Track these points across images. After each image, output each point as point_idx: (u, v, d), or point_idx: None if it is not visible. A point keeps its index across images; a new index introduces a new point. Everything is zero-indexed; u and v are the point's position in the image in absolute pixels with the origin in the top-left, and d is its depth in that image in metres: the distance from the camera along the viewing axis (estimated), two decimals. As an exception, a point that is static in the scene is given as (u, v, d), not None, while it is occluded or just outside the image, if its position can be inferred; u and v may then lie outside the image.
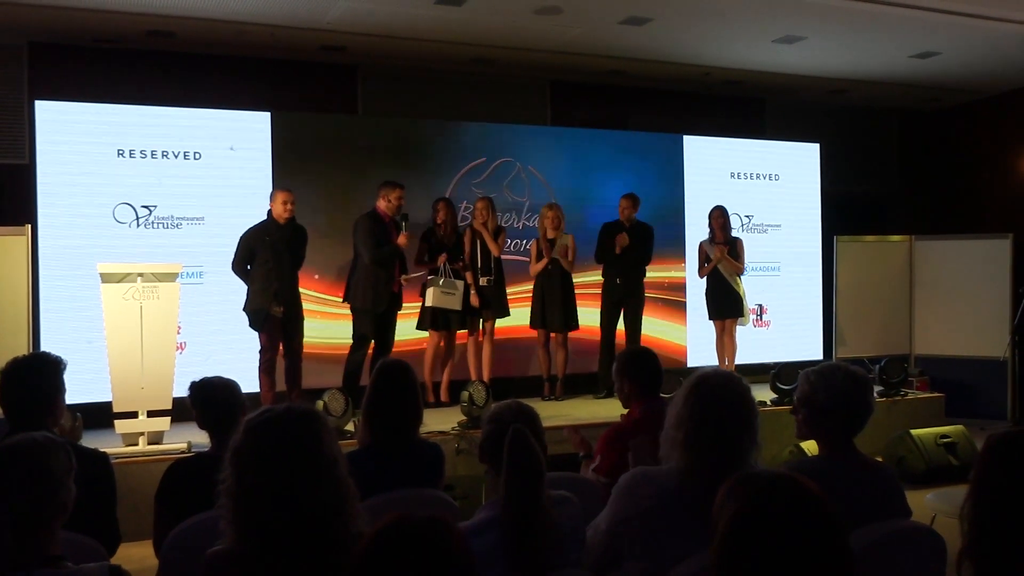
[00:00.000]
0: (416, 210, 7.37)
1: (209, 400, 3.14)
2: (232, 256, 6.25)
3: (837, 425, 2.55)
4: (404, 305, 6.88)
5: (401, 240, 6.58)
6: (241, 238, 6.24)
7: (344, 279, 6.81)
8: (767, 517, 1.40)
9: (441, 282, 6.83)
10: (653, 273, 7.76)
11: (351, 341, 6.67)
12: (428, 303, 6.86)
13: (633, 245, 7.31)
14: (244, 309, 6.24)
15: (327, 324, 7.06)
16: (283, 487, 1.60)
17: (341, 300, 6.81)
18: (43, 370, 2.94)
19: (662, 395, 3.60)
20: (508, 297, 7.25)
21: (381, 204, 6.64)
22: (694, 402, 2.22)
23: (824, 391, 2.54)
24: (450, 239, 6.98)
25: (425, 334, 7.04)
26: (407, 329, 7.07)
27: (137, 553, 3.48)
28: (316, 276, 7.06)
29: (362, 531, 1.65)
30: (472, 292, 6.95)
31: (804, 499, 1.42)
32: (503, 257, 7.21)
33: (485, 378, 6.95)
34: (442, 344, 7.04)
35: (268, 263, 6.13)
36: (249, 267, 6.21)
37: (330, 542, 1.65)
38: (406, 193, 6.69)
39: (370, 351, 6.64)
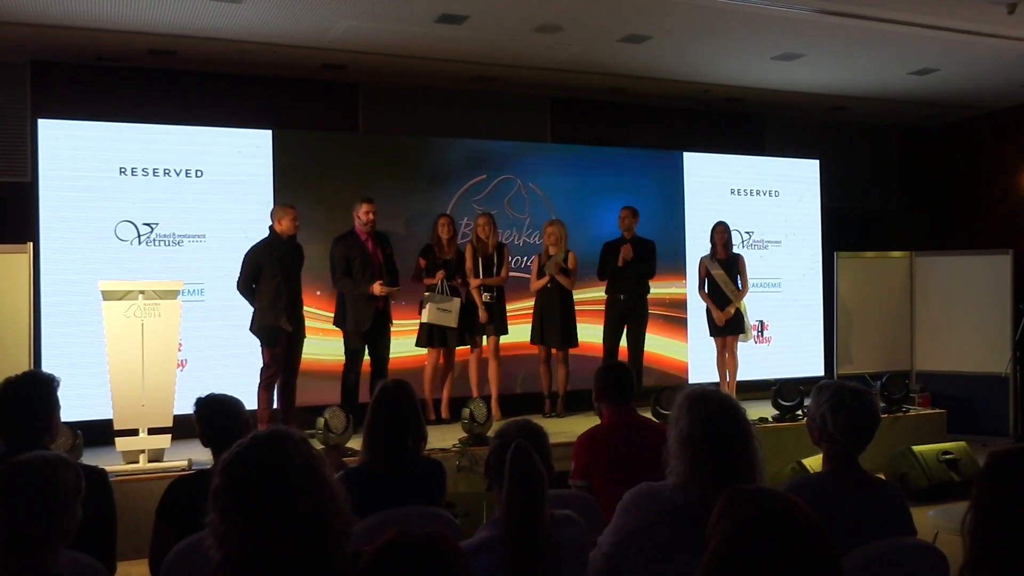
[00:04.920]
0: (417, 227, 7.40)
1: (213, 416, 3.13)
2: (237, 275, 6.20)
3: (842, 444, 2.58)
4: (405, 322, 6.89)
5: (375, 288, 6.47)
6: (247, 256, 6.21)
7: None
8: (758, 540, 1.40)
9: (437, 299, 6.83)
10: (655, 289, 7.75)
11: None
12: (424, 319, 6.87)
13: (635, 260, 7.31)
14: (252, 329, 6.18)
15: (327, 341, 7.04)
16: (262, 517, 1.59)
17: (332, 323, 6.82)
18: (36, 389, 2.92)
19: (662, 411, 3.63)
20: (509, 314, 7.24)
21: (356, 222, 6.67)
22: (695, 418, 2.23)
23: (831, 413, 2.57)
24: (451, 256, 6.99)
25: (424, 351, 7.03)
26: (407, 346, 7.08)
27: (138, 571, 3.47)
28: (318, 292, 7.05)
29: (359, 550, 1.64)
30: (480, 309, 6.95)
31: (797, 523, 1.42)
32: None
33: (493, 395, 6.95)
34: (441, 361, 7.03)
35: (276, 278, 6.13)
36: (254, 285, 6.19)
37: (323, 560, 1.64)
38: (410, 211, 6.64)
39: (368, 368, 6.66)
